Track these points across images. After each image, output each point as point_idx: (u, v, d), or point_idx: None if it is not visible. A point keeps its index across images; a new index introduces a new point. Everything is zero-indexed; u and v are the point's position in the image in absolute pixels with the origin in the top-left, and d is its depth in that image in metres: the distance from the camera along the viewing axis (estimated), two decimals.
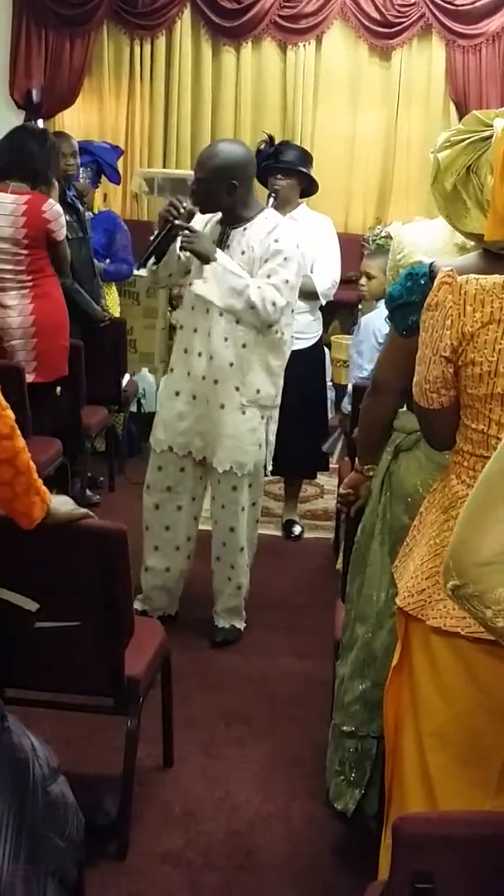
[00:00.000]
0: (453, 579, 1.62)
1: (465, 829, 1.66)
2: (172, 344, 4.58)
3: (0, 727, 1.99)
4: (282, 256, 4.07)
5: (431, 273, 2.57)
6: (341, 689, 3.00)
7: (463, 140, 2.58)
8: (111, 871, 2.96)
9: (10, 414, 2.47)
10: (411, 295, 2.61)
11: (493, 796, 2.23)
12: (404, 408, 2.90)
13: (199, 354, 4.15)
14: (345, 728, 2.96)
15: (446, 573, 1.64)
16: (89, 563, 2.83)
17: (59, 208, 4.84)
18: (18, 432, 2.49)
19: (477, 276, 2.25)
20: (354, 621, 2.96)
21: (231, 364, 4.15)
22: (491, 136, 2.53)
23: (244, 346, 4.15)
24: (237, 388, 4.19)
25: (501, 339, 2.20)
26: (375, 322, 5.64)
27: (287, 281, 4.08)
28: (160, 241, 4.09)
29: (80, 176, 6.18)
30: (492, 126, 2.55)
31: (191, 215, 4.13)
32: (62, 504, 2.70)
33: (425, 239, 3.38)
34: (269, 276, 4.05)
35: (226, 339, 4.13)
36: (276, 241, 4.07)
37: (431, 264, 2.62)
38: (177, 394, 4.24)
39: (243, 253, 4.09)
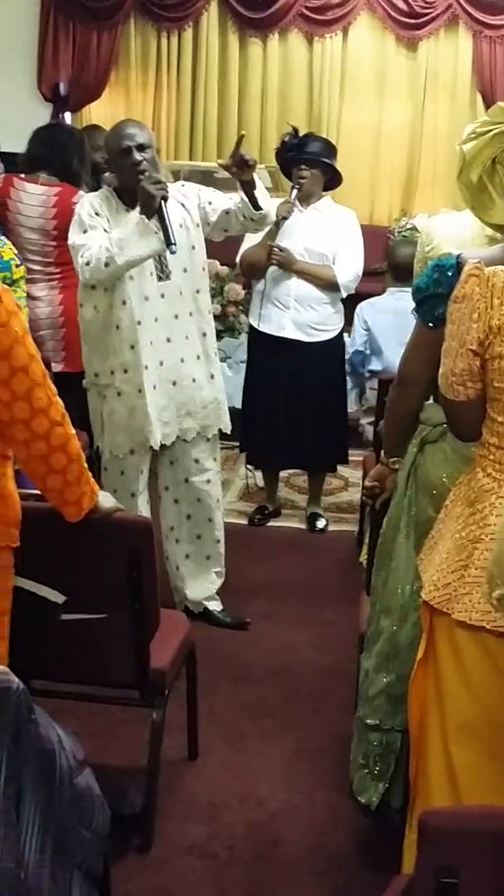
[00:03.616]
0: (500, 587, 1.59)
1: (491, 823, 1.65)
2: None
3: (27, 719, 1.99)
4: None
5: (458, 265, 2.56)
6: (366, 682, 2.99)
7: (489, 132, 2.58)
8: (136, 863, 2.97)
9: (60, 401, 2.51)
10: (438, 287, 2.60)
11: None
12: (430, 400, 2.89)
13: (168, 340, 4.09)
14: (369, 721, 2.95)
15: (492, 581, 1.62)
16: (116, 556, 2.83)
17: None
18: (69, 419, 2.54)
19: None
20: (379, 614, 2.95)
21: (204, 334, 4.19)
22: None
23: (210, 311, 4.24)
24: (216, 353, 4.29)
25: None
26: (365, 308, 5.66)
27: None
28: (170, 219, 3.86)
29: None
30: None
31: None
32: (105, 500, 2.74)
33: (454, 231, 3.36)
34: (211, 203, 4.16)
35: (190, 315, 4.13)
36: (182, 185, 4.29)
37: (458, 256, 2.61)
38: (153, 388, 4.07)
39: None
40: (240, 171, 3.98)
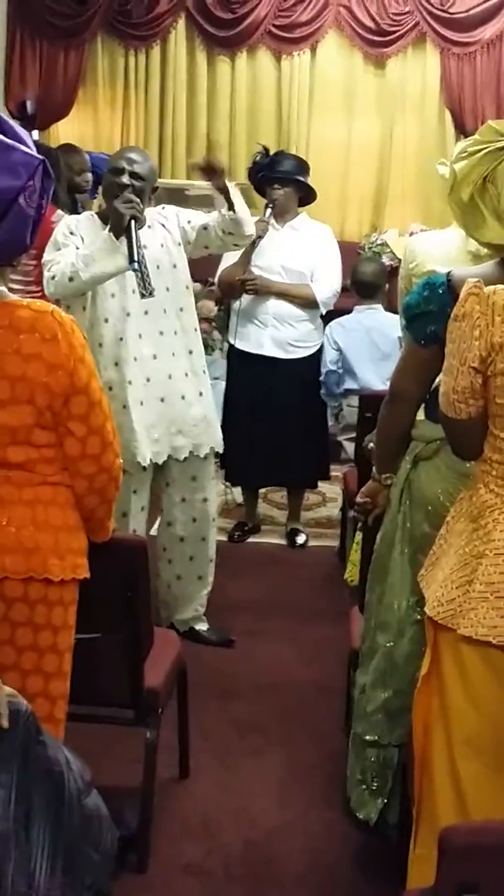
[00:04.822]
0: None
1: None
2: None
3: (35, 741, 1.99)
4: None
5: (449, 283, 2.59)
6: (362, 698, 2.99)
7: (479, 151, 2.60)
8: (133, 884, 2.96)
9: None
10: (429, 304, 2.63)
11: None
12: (422, 416, 2.91)
13: (155, 357, 4.10)
14: (367, 738, 2.96)
15: None
16: (110, 576, 2.82)
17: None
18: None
19: None
20: (375, 630, 2.96)
21: (191, 352, 4.20)
22: None
23: (195, 330, 4.25)
24: (204, 372, 4.29)
25: None
26: (335, 328, 5.71)
27: None
28: (139, 240, 3.89)
29: None
30: None
31: None
32: None
33: (437, 248, 3.40)
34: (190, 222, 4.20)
35: (176, 333, 4.14)
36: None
37: (449, 273, 2.63)
38: (140, 404, 4.08)
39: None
40: (207, 176, 4.03)
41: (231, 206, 4.05)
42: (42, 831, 1.97)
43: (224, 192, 4.04)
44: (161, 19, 8.79)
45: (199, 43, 8.92)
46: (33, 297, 4.77)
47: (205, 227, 4.15)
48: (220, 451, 4.39)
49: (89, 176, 5.95)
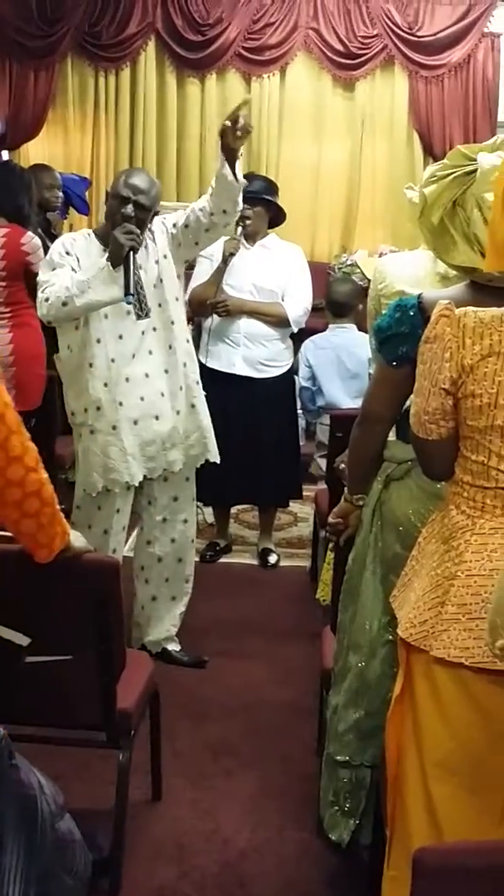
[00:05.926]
0: (502, 637, 1.61)
1: (484, 859, 1.67)
2: None
3: (8, 764, 1.98)
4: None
5: (420, 304, 2.60)
6: (334, 718, 2.99)
7: (448, 175, 2.62)
8: None
9: (34, 447, 2.52)
10: (400, 326, 2.62)
11: (497, 824, 2.25)
12: (394, 437, 2.92)
13: (147, 375, 4.10)
14: (339, 758, 2.96)
15: (493, 631, 1.63)
16: (82, 597, 2.82)
17: (37, 241, 4.87)
18: (42, 464, 2.54)
19: (475, 308, 2.28)
20: (347, 650, 2.96)
21: (185, 364, 4.20)
22: (475, 171, 2.57)
23: (188, 341, 4.25)
24: (197, 383, 4.30)
25: (501, 372, 2.23)
26: (308, 346, 5.75)
27: None
28: (135, 270, 3.87)
29: None
30: (475, 160, 2.60)
31: None
32: (76, 539, 2.73)
33: (407, 269, 3.42)
34: (175, 225, 4.15)
35: (170, 347, 4.14)
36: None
37: (420, 296, 2.65)
38: (135, 423, 4.09)
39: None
40: (240, 138, 3.85)
41: (234, 171, 3.92)
42: (15, 857, 1.96)
43: (233, 154, 3.89)
44: (131, 41, 8.83)
45: (168, 65, 8.97)
46: (1, 317, 4.87)
47: (186, 225, 4.11)
48: (217, 461, 4.39)
49: (59, 193, 5.97)
